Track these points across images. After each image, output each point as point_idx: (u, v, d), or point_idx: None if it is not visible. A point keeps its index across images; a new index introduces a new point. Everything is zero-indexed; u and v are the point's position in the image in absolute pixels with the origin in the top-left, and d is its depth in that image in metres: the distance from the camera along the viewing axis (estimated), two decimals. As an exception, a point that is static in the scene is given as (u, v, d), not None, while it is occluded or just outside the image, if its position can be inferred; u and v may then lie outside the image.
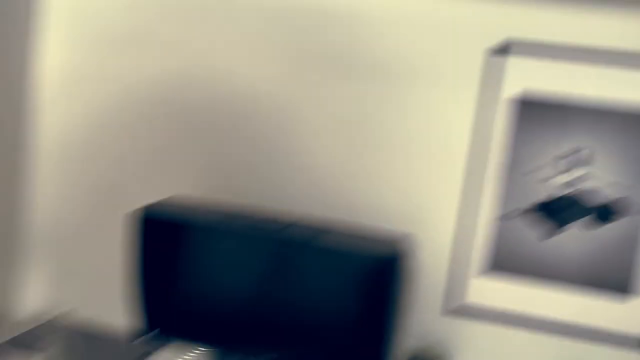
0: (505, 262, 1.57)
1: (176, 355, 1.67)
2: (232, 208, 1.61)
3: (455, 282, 1.60)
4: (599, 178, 1.48)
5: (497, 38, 1.50)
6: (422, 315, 1.62)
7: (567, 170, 1.50)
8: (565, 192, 1.51)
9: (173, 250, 1.57)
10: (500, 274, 1.57)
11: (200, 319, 1.61)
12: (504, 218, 1.56)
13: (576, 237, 1.51)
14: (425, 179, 1.59)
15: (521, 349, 1.58)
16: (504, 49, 1.51)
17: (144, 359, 0.46)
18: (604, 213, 1.48)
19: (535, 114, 1.51)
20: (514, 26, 1.49)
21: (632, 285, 1.49)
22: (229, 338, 1.61)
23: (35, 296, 1.90)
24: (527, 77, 1.50)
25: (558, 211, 1.53)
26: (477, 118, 1.54)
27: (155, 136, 1.76)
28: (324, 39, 1.61)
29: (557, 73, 1.48)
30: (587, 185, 1.49)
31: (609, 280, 1.51)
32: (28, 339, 1.69)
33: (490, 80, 1.52)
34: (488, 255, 1.57)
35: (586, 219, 1.50)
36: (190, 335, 1.62)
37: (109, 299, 1.84)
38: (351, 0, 1.59)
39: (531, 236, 1.54)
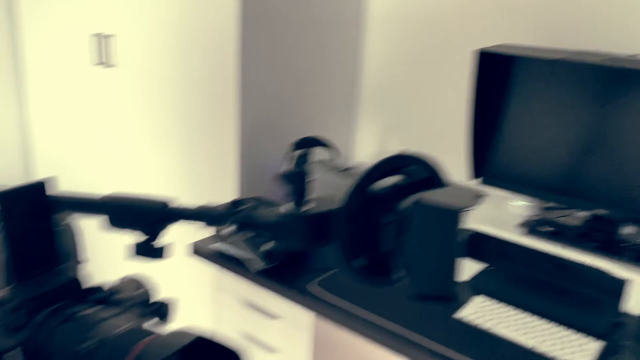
0: None
1: (499, 205, 1.69)
2: (569, 52, 1.49)
3: None
4: None
5: None
6: None
7: None
8: None
9: (505, 91, 1.54)
10: None
11: (525, 169, 1.57)
12: None
13: None
14: None
15: None
16: None
17: (473, 204, 0.47)
18: None
19: None
20: None
21: None
22: (552, 190, 1.54)
23: (372, 143, 2.12)
24: None
25: None
26: None
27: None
28: None
29: None
30: None
31: None
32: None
33: None
34: None
35: None
36: (513, 185, 1.61)
37: (438, 146, 1.93)
38: None
39: None
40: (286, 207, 0.60)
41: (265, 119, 1.76)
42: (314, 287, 1.45)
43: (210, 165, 1.79)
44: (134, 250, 0.62)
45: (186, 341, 0.44)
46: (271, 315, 1.58)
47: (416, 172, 0.60)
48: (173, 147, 1.89)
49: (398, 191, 0.60)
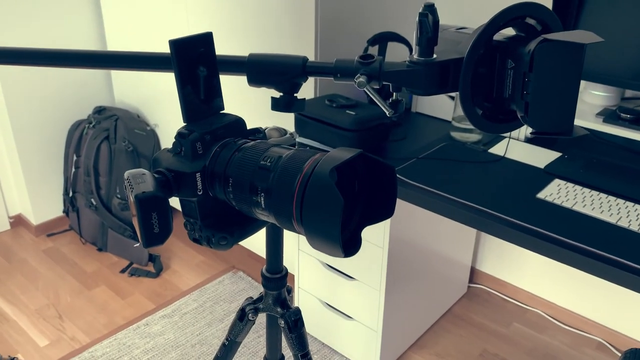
0: None
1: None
2: None
3: None
4: None
5: None
6: None
7: None
8: None
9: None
10: None
11: (604, 57, 1.54)
12: None
13: None
14: None
15: None
16: None
17: (595, 40, 0.49)
18: None
19: None
20: None
21: None
22: (631, 78, 1.52)
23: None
24: None
25: None
26: None
27: None
28: None
29: None
30: None
31: None
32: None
33: None
34: None
35: None
36: (592, 74, 1.58)
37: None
38: None
39: None
40: (412, 57, 0.65)
41: (341, 15, 1.78)
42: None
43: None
44: (274, 103, 0.70)
45: (353, 154, 0.51)
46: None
47: (534, 23, 0.63)
48: (248, 44, 1.94)
49: (519, 39, 0.64)
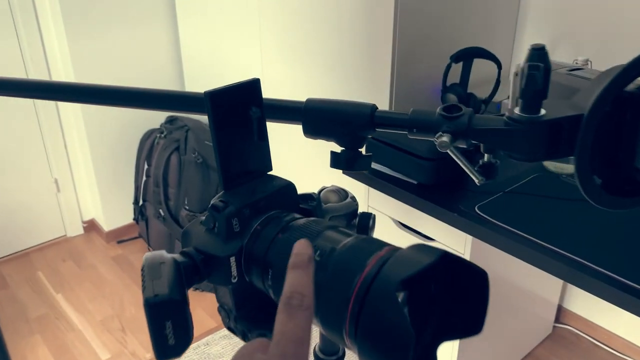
0: None
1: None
2: None
3: None
4: None
5: None
6: None
7: None
8: None
9: None
10: None
11: None
12: None
13: None
14: None
15: None
16: None
17: None
18: None
19: None
20: None
21: None
22: None
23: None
24: None
25: None
26: None
27: None
28: None
29: None
30: None
31: None
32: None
33: None
34: None
35: None
36: None
37: (617, 54, 1.70)
38: None
39: None
40: (513, 112, 0.51)
41: (423, 31, 1.63)
42: (474, 211, 1.36)
43: (362, 80, 1.72)
44: (334, 160, 0.57)
45: (432, 259, 0.38)
46: (424, 238, 1.53)
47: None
48: (325, 63, 1.83)
49: (661, 92, 0.48)
